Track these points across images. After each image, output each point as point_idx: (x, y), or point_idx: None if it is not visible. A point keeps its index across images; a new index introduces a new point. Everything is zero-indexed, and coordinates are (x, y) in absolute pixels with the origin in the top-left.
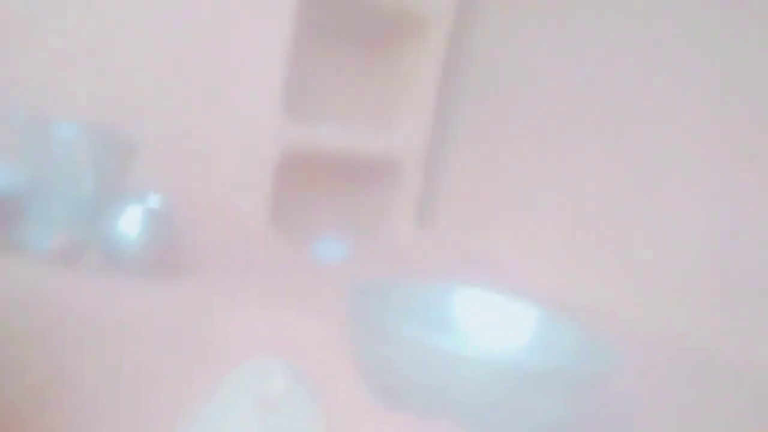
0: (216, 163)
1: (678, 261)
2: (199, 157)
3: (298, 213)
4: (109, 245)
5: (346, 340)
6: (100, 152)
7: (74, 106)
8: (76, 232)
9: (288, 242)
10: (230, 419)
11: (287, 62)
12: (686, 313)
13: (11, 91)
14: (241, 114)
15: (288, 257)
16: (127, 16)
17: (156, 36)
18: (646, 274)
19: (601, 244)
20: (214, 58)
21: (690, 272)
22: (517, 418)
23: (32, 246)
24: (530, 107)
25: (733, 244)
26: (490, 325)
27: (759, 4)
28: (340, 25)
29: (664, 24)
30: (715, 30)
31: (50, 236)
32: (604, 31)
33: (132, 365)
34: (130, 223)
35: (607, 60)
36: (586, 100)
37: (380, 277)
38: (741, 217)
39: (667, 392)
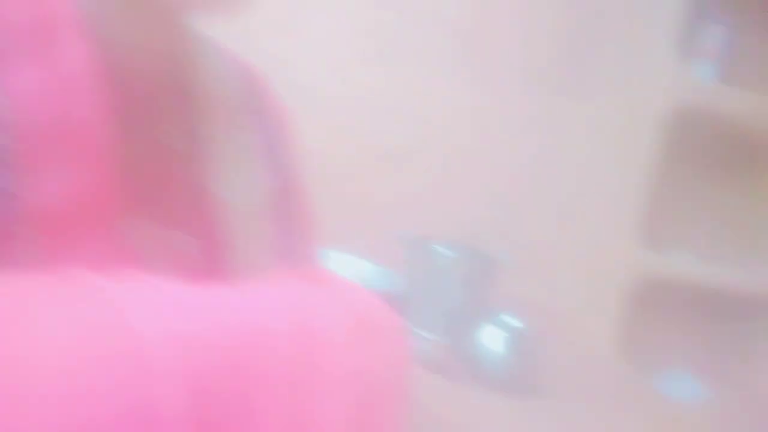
0: (566, 284)
1: None
2: (551, 278)
3: (650, 345)
4: (472, 358)
5: None
6: (470, 270)
7: (447, 225)
8: (445, 342)
9: (637, 374)
10: None
11: (647, 187)
12: None
13: (400, 211)
14: (595, 237)
15: (636, 390)
16: (486, 149)
17: (514, 163)
18: None
19: None
20: (571, 182)
21: None
22: None
23: None
24: None
25: None
26: None
27: None
28: (706, 149)
29: None
30: None
31: (422, 341)
32: None
33: None
34: (492, 339)
35: None
36: None
37: None
38: None
39: None
